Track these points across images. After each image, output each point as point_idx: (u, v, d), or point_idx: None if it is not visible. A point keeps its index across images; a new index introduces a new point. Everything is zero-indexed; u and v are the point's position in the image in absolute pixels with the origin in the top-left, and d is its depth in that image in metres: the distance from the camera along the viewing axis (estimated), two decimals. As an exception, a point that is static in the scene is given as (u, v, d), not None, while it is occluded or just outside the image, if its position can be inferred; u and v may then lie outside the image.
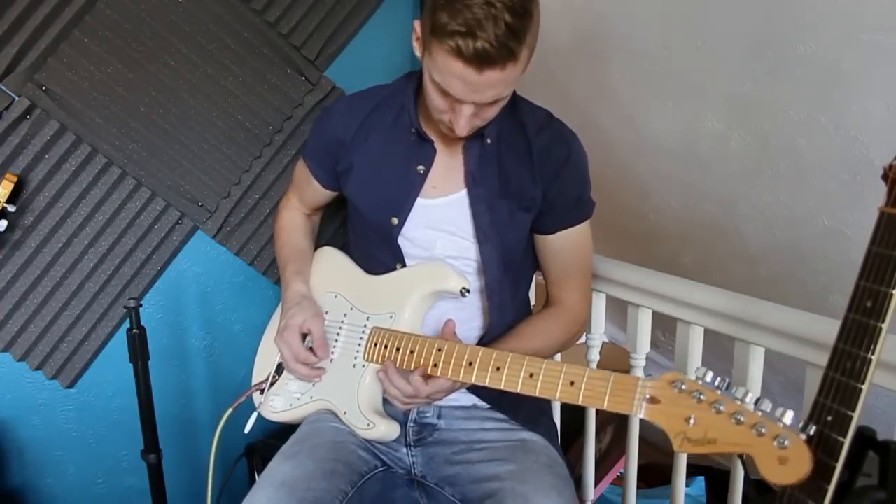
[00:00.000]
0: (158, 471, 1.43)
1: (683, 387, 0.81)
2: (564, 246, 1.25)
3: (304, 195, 1.42)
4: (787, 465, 0.72)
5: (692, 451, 0.79)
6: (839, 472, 0.73)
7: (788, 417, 0.74)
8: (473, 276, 1.22)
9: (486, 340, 1.22)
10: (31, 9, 1.40)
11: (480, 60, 0.95)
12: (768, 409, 0.75)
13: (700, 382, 0.81)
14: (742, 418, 0.76)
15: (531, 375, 0.97)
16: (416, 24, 1.06)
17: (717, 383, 0.80)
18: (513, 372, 0.99)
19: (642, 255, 1.82)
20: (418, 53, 1.08)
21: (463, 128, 1.06)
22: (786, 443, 0.72)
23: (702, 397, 0.79)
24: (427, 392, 1.08)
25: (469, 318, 1.23)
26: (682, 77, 1.40)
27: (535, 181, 1.19)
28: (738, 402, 0.77)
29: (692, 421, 0.79)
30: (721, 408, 0.77)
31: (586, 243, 1.28)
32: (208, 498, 1.27)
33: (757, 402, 0.76)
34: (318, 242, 1.49)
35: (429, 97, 1.07)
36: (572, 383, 0.93)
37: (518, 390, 0.98)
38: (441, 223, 1.21)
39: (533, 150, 1.19)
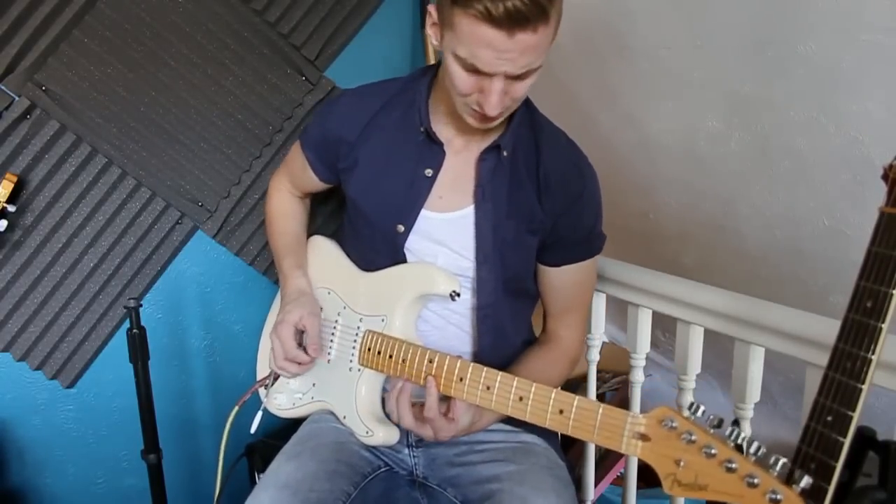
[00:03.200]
0: (158, 471, 1.43)
1: (674, 424, 0.78)
2: (568, 280, 1.22)
3: (298, 181, 1.38)
4: None
5: (682, 495, 0.76)
6: (839, 472, 0.73)
7: (781, 465, 0.71)
8: (469, 295, 1.19)
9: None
10: (31, 9, 1.40)
11: (512, 21, 0.89)
12: (762, 454, 0.72)
13: (692, 420, 0.77)
14: (734, 465, 0.72)
15: (521, 399, 0.95)
16: (431, 9, 1.01)
17: (709, 420, 0.76)
18: (503, 392, 0.97)
19: (642, 255, 1.82)
20: (435, 41, 1.02)
21: (495, 105, 0.98)
22: (778, 497, 0.69)
23: (693, 438, 0.76)
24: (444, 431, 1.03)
25: (460, 341, 1.21)
26: (682, 77, 1.40)
27: (542, 207, 1.15)
28: (731, 447, 0.74)
29: (682, 464, 0.77)
30: (713, 451, 0.74)
31: (590, 278, 1.26)
32: (215, 498, 1.27)
33: (749, 443, 0.73)
34: (310, 229, 1.46)
35: (453, 81, 1.00)
36: (561, 412, 0.91)
37: (507, 413, 0.97)
38: (444, 239, 1.17)
39: (541, 173, 1.14)
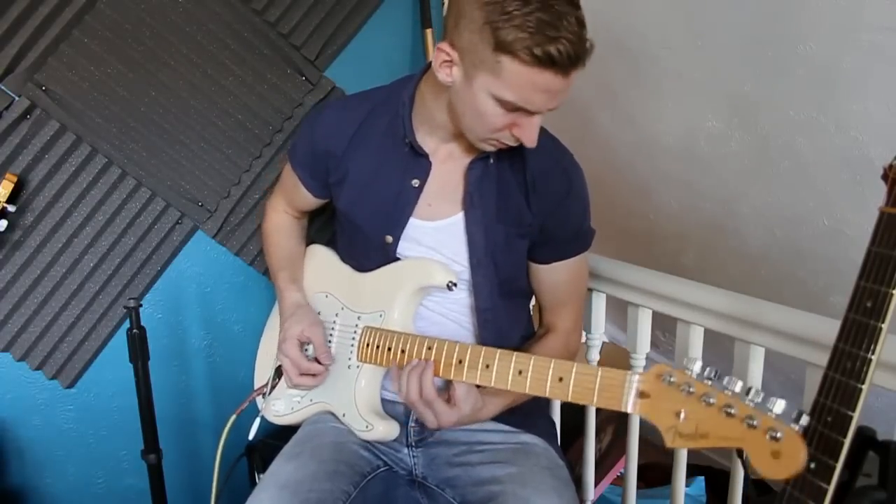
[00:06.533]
0: (158, 471, 1.43)
1: (672, 379, 0.79)
2: (560, 276, 1.23)
3: (293, 200, 1.38)
4: (781, 458, 0.70)
5: (684, 445, 0.77)
6: (839, 472, 0.73)
7: (780, 407, 0.72)
8: (466, 299, 1.20)
9: None
10: (31, 9, 1.40)
11: (570, 62, 0.91)
12: (759, 399, 0.73)
13: (689, 374, 0.79)
14: (733, 410, 0.74)
15: (520, 372, 0.96)
16: (445, 47, 0.99)
17: (706, 373, 0.78)
18: (502, 369, 0.98)
19: (642, 255, 1.82)
20: (448, 78, 1.01)
21: (535, 139, 1.02)
22: (778, 435, 0.70)
23: (691, 390, 0.77)
24: (445, 418, 1.04)
25: (460, 337, 1.20)
26: (682, 77, 1.40)
27: (530, 209, 1.16)
28: (729, 394, 0.75)
29: (682, 415, 0.78)
30: (711, 400, 0.75)
31: (582, 273, 1.27)
32: (212, 502, 1.27)
33: (748, 391, 0.74)
34: (308, 240, 1.46)
35: (486, 119, 1.01)
36: (561, 379, 0.92)
37: (508, 387, 0.98)
38: (435, 246, 1.18)
39: (527, 175, 1.15)
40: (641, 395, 0.83)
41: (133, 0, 1.47)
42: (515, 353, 0.98)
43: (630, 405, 0.84)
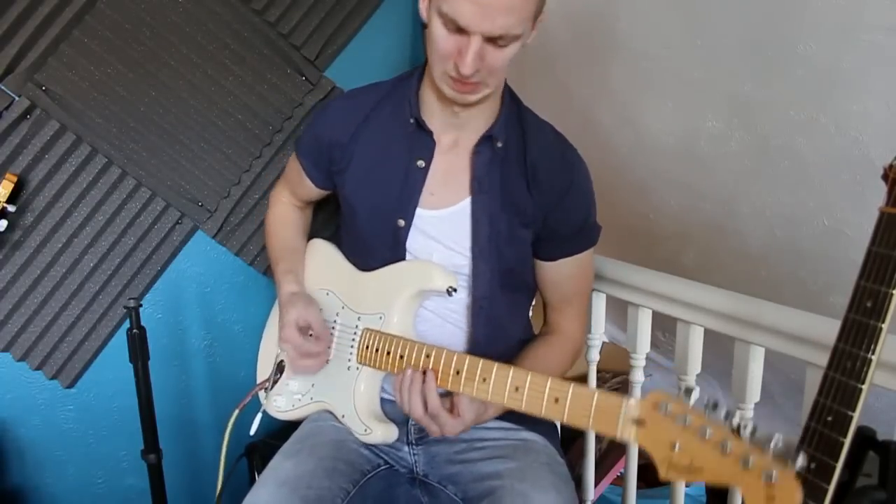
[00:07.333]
0: (158, 471, 1.43)
1: (669, 408, 0.78)
2: (566, 273, 1.23)
3: (296, 190, 1.39)
4: (775, 503, 0.68)
5: (678, 479, 0.76)
6: (839, 472, 0.73)
7: (777, 444, 0.70)
8: (465, 291, 1.20)
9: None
10: (31, 9, 1.40)
11: None
12: (758, 435, 0.71)
13: (687, 404, 0.77)
14: (728, 447, 0.72)
15: (517, 389, 0.95)
16: None
17: (705, 402, 0.76)
18: (499, 384, 0.97)
19: (642, 255, 1.82)
20: (423, 13, 1.05)
21: (469, 65, 0.99)
22: (773, 478, 0.68)
23: (688, 421, 0.75)
24: (451, 427, 1.05)
25: (458, 339, 1.22)
26: (682, 77, 1.40)
27: (532, 201, 1.16)
28: (726, 428, 0.73)
29: (677, 447, 0.76)
30: (707, 434, 0.73)
31: (588, 270, 1.27)
32: (216, 501, 1.27)
33: (745, 425, 0.72)
34: (311, 234, 1.47)
35: (435, 43, 1.02)
36: (557, 400, 0.91)
37: (504, 404, 0.97)
38: (438, 236, 1.18)
39: (529, 168, 1.16)
40: (637, 422, 0.81)
41: (133, 0, 1.47)
42: (513, 367, 0.97)
43: (625, 433, 0.82)
